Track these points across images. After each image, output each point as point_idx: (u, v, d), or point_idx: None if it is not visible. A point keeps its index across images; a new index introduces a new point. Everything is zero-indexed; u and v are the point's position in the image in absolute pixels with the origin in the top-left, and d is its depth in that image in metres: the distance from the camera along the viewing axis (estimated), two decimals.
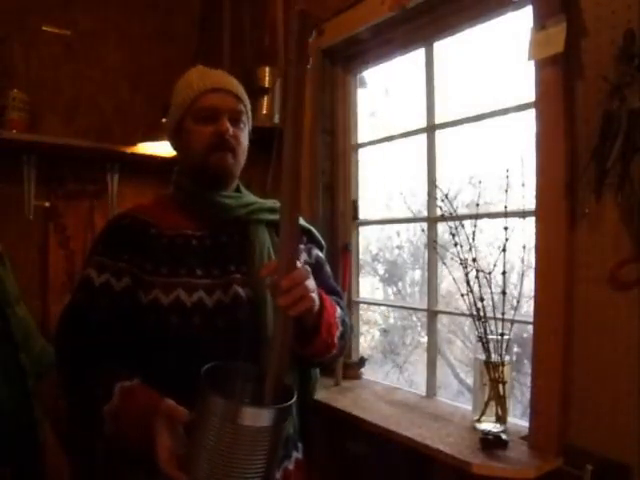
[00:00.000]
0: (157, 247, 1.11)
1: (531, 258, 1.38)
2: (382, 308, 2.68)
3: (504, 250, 1.42)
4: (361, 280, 2.22)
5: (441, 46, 1.80)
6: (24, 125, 2.14)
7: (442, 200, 1.54)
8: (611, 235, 1.20)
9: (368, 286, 2.67)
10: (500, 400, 1.43)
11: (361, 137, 2.13)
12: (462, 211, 1.59)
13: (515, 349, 1.86)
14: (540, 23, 1.30)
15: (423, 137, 1.82)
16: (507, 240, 1.42)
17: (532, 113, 1.37)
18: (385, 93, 2.31)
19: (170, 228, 1.14)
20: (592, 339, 1.24)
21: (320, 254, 1.30)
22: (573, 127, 1.28)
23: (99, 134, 2.39)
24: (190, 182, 1.19)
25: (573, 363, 1.27)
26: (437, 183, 1.63)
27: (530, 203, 1.38)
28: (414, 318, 2.50)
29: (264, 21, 2.37)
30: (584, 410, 1.25)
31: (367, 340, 2.59)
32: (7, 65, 2.22)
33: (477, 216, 1.50)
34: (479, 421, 1.47)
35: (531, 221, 1.38)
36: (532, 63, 1.34)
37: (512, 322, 1.44)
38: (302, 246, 1.25)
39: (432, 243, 1.77)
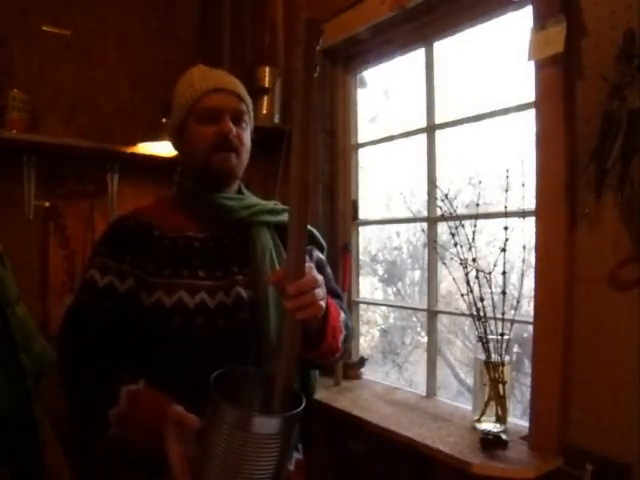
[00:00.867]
0: (160, 249, 1.11)
1: (531, 258, 1.38)
2: (382, 308, 2.68)
3: (504, 250, 1.42)
4: (361, 280, 2.22)
5: (441, 46, 1.80)
6: (24, 125, 2.14)
7: (442, 200, 1.54)
8: (611, 235, 1.20)
9: (368, 286, 2.67)
10: (500, 400, 1.43)
11: (361, 137, 2.13)
12: (462, 211, 1.59)
13: (515, 349, 1.86)
14: (540, 23, 1.30)
15: (423, 137, 1.82)
16: (507, 240, 1.42)
17: (532, 113, 1.37)
18: (385, 93, 2.31)
19: (172, 230, 1.14)
20: (592, 339, 1.24)
21: (321, 256, 1.30)
22: (573, 127, 1.28)
23: (99, 134, 2.39)
24: (193, 183, 1.19)
25: (573, 363, 1.28)
26: (437, 183, 1.63)
27: (530, 203, 1.38)
28: (414, 318, 2.50)
29: (264, 21, 2.37)
30: (584, 410, 1.25)
31: (367, 340, 2.59)
32: (7, 65, 2.22)
33: (477, 216, 1.50)
34: (479, 421, 1.47)
35: (531, 221, 1.38)
36: (532, 63, 1.34)
37: (512, 322, 1.44)
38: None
39: (432, 243, 1.77)
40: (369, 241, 2.59)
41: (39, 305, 2.27)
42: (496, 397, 1.43)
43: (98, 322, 1.06)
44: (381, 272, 2.78)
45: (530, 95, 1.38)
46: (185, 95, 1.17)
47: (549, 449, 1.29)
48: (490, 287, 1.44)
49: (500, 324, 1.43)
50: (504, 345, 1.43)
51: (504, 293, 1.43)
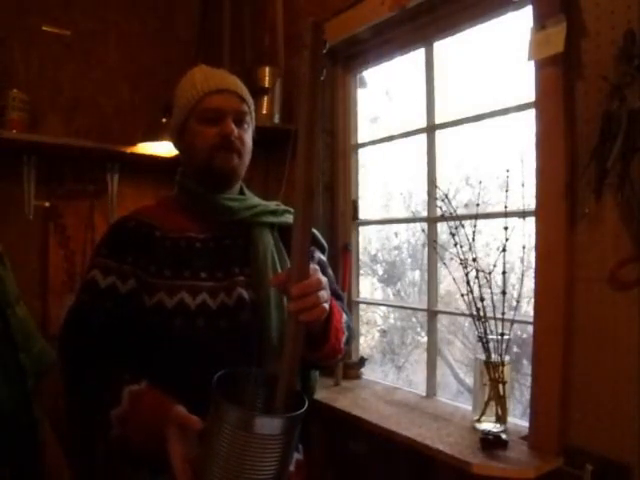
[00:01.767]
0: (161, 250, 1.11)
1: (531, 258, 1.38)
2: (382, 308, 2.68)
3: (504, 250, 1.42)
4: (361, 280, 2.22)
5: (441, 46, 1.80)
6: (24, 125, 2.14)
7: (442, 200, 1.54)
8: (611, 235, 1.20)
9: (368, 286, 2.67)
10: (500, 400, 1.43)
11: (361, 137, 2.13)
12: (462, 211, 1.59)
13: (514, 349, 1.86)
14: (540, 23, 1.30)
15: (423, 137, 1.82)
16: (507, 240, 1.42)
17: (532, 113, 1.37)
18: (385, 93, 2.31)
19: (174, 230, 1.14)
20: (592, 339, 1.24)
21: (322, 257, 1.30)
22: (573, 127, 1.28)
23: (99, 134, 2.39)
24: (194, 184, 1.18)
25: (573, 363, 1.28)
26: (437, 183, 1.63)
27: (530, 203, 1.38)
28: (414, 318, 2.50)
29: (264, 21, 2.37)
30: (584, 410, 1.25)
31: (367, 340, 2.59)
32: (7, 65, 2.22)
33: (477, 216, 1.50)
34: (479, 421, 1.47)
35: (531, 221, 1.38)
36: (532, 63, 1.34)
37: (512, 322, 1.44)
38: None
39: (432, 243, 1.77)
40: (369, 241, 2.59)
41: (39, 305, 2.27)
42: (496, 397, 1.43)
43: (100, 322, 1.06)
44: (381, 272, 2.78)
45: (530, 95, 1.38)
46: (187, 95, 1.17)
47: (549, 449, 1.29)
48: (490, 287, 1.44)
49: (500, 324, 1.43)
50: (504, 345, 1.43)
51: (504, 293, 1.43)
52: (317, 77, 0.83)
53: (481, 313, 1.45)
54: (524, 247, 1.41)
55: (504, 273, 1.43)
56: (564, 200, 1.28)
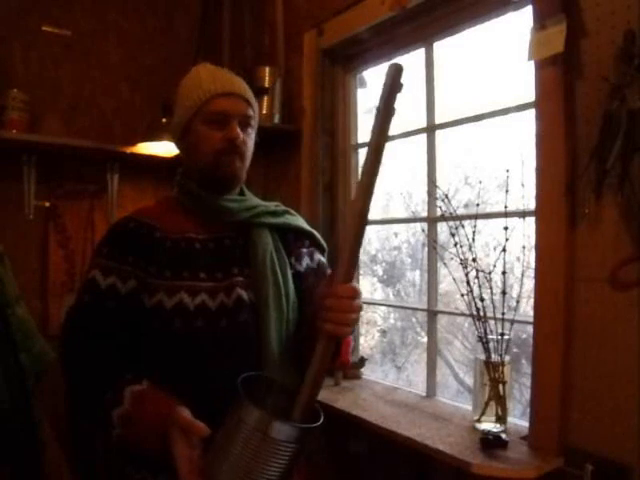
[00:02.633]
0: (161, 250, 1.11)
1: (531, 258, 1.38)
2: (382, 308, 2.68)
3: (504, 250, 1.42)
4: (361, 280, 2.22)
5: (441, 46, 1.80)
6: (24, 125, 2.14)
7: (442, 200, 1.54)
8: (611, 235, 1.20)
9: (368, 286, 2.67)
10: (500, 400, 1.43)
11: (361, 137, 2.13)
12: (462, 211, 1.59)
13: (514, 349, 1.86)
14: (540, 23, 1.30)
15: (423, 137, 1.82)
16: (507, 240, 1.42)
17: (532, 113, 1.37)
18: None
19: (174, 231, 1.14)
20: (592, 339, 1.24)
21: (322, 258, 1.30)
22: (573, 127, 1.28)
23: (99, 134, 2.39)
24: (195, 185, 1.18)
25: (573, 363, 1.28)
26: (437, 183, 1.63)
27: (530, 203, 1.38)
28: (413, 319, 2.50)
29: (264, 21, 2.37)
30: (584, 410, 1.25)
31: (367, 340, 2.59)
32: (7, 65, 2.22)
33: (477, 216, 1.50)
34: (479, 421, 1.47)
35: (531, 221, 1.38)
36: (532, 63, 1.34)
37: (512, 322, 1.44)
38: (304, 250, 1.25)
39: (432, 243, 1.77)
40: (369, 241, 2.59)
41: (39, 305, 2.27)
42: (496, 397, 1.43)
43: (101, 323, 1.06)
44: (381, 272, 2.78)
45: (530, 95, 1.38)
46: (193, 96, 1.15)
47: (549, 449, 1.29)
48: (490, 287, 1.44)
49: (500, 324, 1.43)
50: (504, 345, 1.43)
51: (504, 293, 1.44)
52: (390, 117, 0.87)
53: (481, 313, 1.45)
54: (524, 247, 1.41)
55: (504, 273, 1.43)
56: (564, 200, 1.28)
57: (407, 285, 2.76)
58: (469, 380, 2.10)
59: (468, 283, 1.47)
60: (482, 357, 1.46)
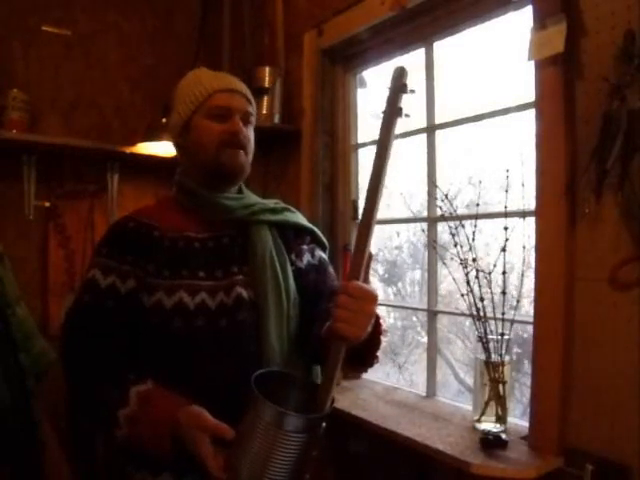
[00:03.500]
0: (160, 249, 1.11)
1: (531, 258, 1.38)
2: (382, 308, 2.68)
3: (504, 250, 1.42)
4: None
5: (441, 46, 1.80)
6: (24, 125, 2.14)
7: (442, 200, 1.54)
8: (611, 235, 1.20)
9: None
10: (500, 400, 1.43)
11: (361, 137, 2.13)
12: (462, 211, 1.59)
13: (515, 349, 1.86)
14: (540, 23, 1.30)
15: (423, 137, 1.82)
16: (507, 240, 1.42)
17: (532, 113, 1.37)
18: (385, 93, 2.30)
19: (173, 230, 1.14)
20: (592, 339, 1.24)
21: (323, 255, 1.30)
22: (573, 127, 1.28)
23: (99, 134, 2.39)
24: (194, 183, 1.19)
25: (573, 363, 1.28)
26: (437, 183, 1.63)
27: (530, 203, 1.38)
28: (414, 318, 2.50)
29: (264, 21, 2.37)
30: (584, 410, 1.25)
31: None
32: (7, 65, 2.22)
33: (477, 216, 1.50)
34: (479, 421, 1.47)
35: (531, 221, 1.38)
36: (532, 63, 1.34)
37: (512, 322, 1.44)
38: (305, 246, 1.26)
39: (432, 243, 1.77)
40: None
41: (39, 305, 2.27)
42: (496, 397, 1.43)
43: (101, 322, 1.07)
44: (381, 272, 2.78)
45: (530, 95, 1.38)
46: (194, 92, 1.17)
47: (549, 449, 1.29)
48: (490, 287, 1.44)
49: (500, 324, 1.43)
50: (504, 345, 1.43)
51: (504, 293, 1.43)
52: (396, 117, 0.93)
53: (481, 313, 1.45)
54: (524, 247, 1.41)
55: (504, 273, 1.43)
56: (564, 200, 1.28)
57: (408, 284, 2.76)
58: (470, 380, 2.10)
59: (468, 283, 1.47)
60: (482, 357, 1.46)
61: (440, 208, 1.56)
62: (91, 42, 2.42)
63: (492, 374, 1.43)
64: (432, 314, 1.83)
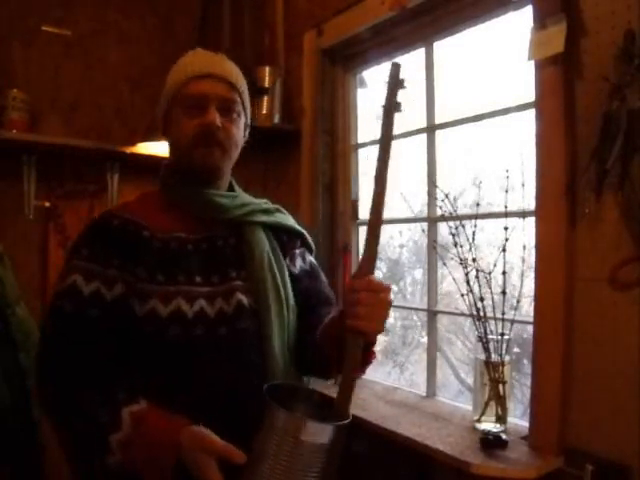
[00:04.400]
0: (150, 252, 1.01)
1: (531, 258, 1.38)
2: None
3: (504, 250, 1.42)
4: None
5: (441, 46, 1.80)
6: (24, 125, 2.14)
7: (442, 200, 1.54)
8: (611, 235, 1.20)
9: None
10: (500, 400, 1.43)
11: (361, 137, 2.13)
12: (462, 211, 1.58)
13: (515, 349, 1.86)
14: (540, 23, 1.30)
15: (423, 137, 1.82)
16: (507, 240, 1.42)
17: (532, 113, 1.37)
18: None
19: (162, 230, 1.04)
20: (592, 339, 1.24)
21: (314, 260, 1.24)
22: (573, 127, 1.27)
23: (99, 134, 2.39)
24: (180, 179, 1.09)
25: (573, 363, 1.27)
26: (437, 183, 1.63)
27: (530, 203, 1.38)
28: (415, 318, 2.50)
29: (264, 21, 2.37)
30: (584, 410, 1.25)
31: None
32: (7, 65, 2.22)
33: (477, 216, 1.49)
34: (479, 421, 1.47)
35: (531, 221, 1.38)
36: (532, 63, 1.34)
37: (512, 322, 1.44)
38: (297, 250, 1.20)
39: (432, 243, 1.77)
40: None
41: (39, 305, 2.27)
42: (496, 397, 1.43)
43: (86, 333, 0.95)
44: (383, 272, 2.78)
45: (530, 95, 1.38)
46: (171, 81, 1.08)
47: (549, 449, 1.29)
48: (490, 287, 1.44)
49: (500, 324, 1.43)
50: (504, 345, 1.42)
51: (504, 293, 1.43)
52: (394, 111, 0.91)
53: (481, 313, 1.45)
54: (524, 247, 1.41)
55: (504, 273, 1.43)
56: (564, 200, 1.28)
57: (409, 284, 2.76)
58: (470, 380, 2.10)
59: (468, 283, 1.47)
60: (482, 357, 1.46)
61: (440, 208, 1.56)
62: (91, 42, 2.41)
63: (492, 374, 1.43)
64: (432, 314, 1.83)
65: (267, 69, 2.15)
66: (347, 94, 2.13)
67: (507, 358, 1.44)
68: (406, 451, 1.47)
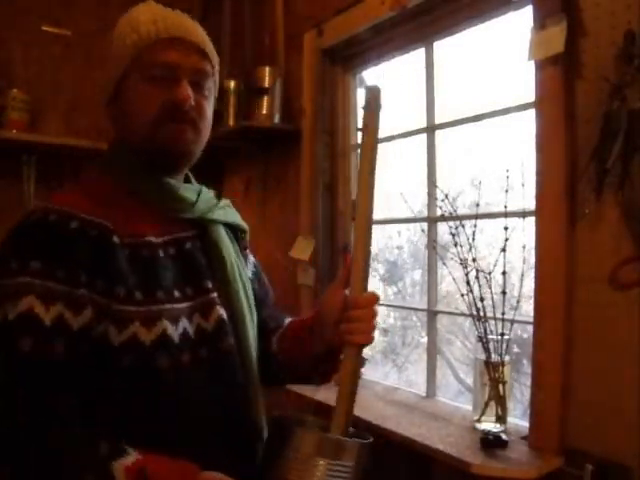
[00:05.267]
0: (121, 262, 0.81)
1: (531, 258, 1.38)
2: (382, 308, 2.68)
3: (504, 250, 1.42)
4: None
5: (441, 46, 1.80)
6: (24, 125, 2.14)
7: (442, 200, 1.54)
8: (611, 235, 1.20)
9: (368, 286, 2.67)
10: (500, 400, 1.43)
11: (361, 137, 2.12)
12: (462, 211, 1.58)
13: (515, 349, 1.86)
14: (540, 23, 1.30)
15: (423, 137, 1.82)
16: (507, 240, 1.42)
17: (532, 113, 1.37)
18: (385, 93, 2.31)
19: (128, 234, 0.83)
20: (592, 339, 1.24)
21: (255, 260, 1.13)
22: (573, 127, 1.27)
23: (99, 134, 2.39)
24: (138, 164, 0.89)
25: (573, 363, 1.27)
26: (437, 183, 1.63)
27: (530, 203, 1.38)
28: (414, 318, 2.49)
29: (264, 21, 2.37)
30: (584, 410, 1.25)
31: None
32: (7, 65, 2.22)
33: (477, 216, 1.49)
34: (479, 421, 1.46)
35: (531, 221, 1.38)
36: (532, 63, 1.34)
37: (512, 322, 1.44)
38: (247, 251, 1.10)
39: (432, 243, 1.77)
40: None
41: None
42: (496, 397, 1.43)
43: (52, 382, 0.73)
44: (382, 272, 2.78)
45: (530, 95, 1.38)
46: (127, 41, 0.86)
47: (549, 449, 1.29)
48: (490, 287, 1.44)
49: (500, 324, 1.43)
50: (504, 345, 1.42)
51: (504, 293, 1.43)
52: (375, 134, 0.88)
53: (481, 313, 1.45)
54: (524, 247, 1.41)
55: (504, 273, 1.43)
56: (564, 200, 1.28)
57: (409, 284, 2.76)
58: (470, 380, 2.10)
59: (468, 283, 1.47)
60: (482, 357, 1.46)
61: (440, 208, 1.56)
62: (91, 42, 2.41)
63: (492, 374, 1.43)
64: (432, 314, 1.83)
65: (267, 69, 2.15)
66: (347, 94, 2.13)
67: (507, 358, 1.44)
68: (406, 451, 1.47)
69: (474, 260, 1.47)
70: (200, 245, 0.94)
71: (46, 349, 0.73)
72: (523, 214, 1.41)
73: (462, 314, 1.58)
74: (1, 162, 2.17)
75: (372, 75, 2.14)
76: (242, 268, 0.99)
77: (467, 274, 1.47)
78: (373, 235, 0.93)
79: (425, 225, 1.82)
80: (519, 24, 1.48)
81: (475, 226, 1.48)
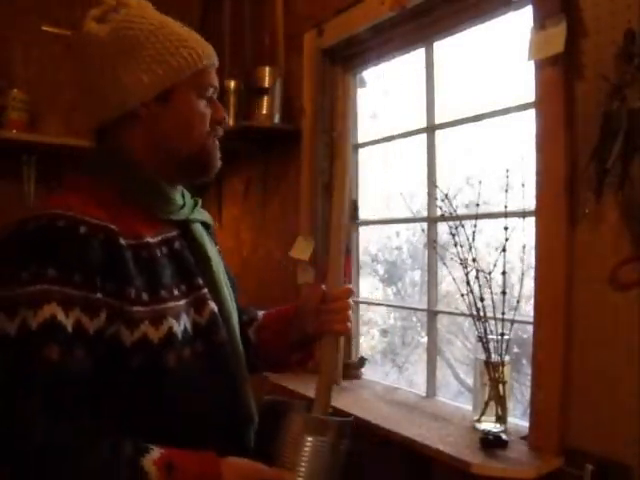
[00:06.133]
0: (128, 264, 0.84)
1: (531, 258, 1.38)
2: (382, 308, 2.68)
3: (504, 250, 1.42)
4: (361, 280, 2.22)
5: (441, 46, 1.80)
6: (24, 125, 2.14)
7: (442, 200, 1.54)
8: (611, 235, 1.20)
9: (368, 286, 2.67)
10: (500, 400, 1.43)
11: (361, 137, 2.13)
12: (462, 211, 1.59)
13: (515, 349, 1.86)
14: (540, 23, 1.30)
15: (423, 137, 1.82)
16: (507, 240, 1.42)
17: (532, 113, 1.37)
18: (385, 93, 2.31)
19: (131, 236, 0.87)
20: (592, 339, 1.24)
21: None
22: (573, 127, 1.28)
23: None
24: (154, 172, 0.95)
25: (573, 363, 1.27)
26: (437, 183, 1.63)
27: (530, 203, 1.38)
28: (414, 318, 2.49)
29: (264, 21, 2.37)
30: (584, 410, 1.25)
31: (367, 340, 2.59)
32: (7, 65, 2.22)
33: (477, 216, 1.49)
34: (479, 421, 1.46)
35: (531, 221, 1.38)
36: (532, 63, 1.34)
37: (512, 322, 1.44)
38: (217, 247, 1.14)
39: (432, 243, 1.77)
40: (369, 241, 2.58)
41: None
42: (496, 397, 1.43)
43: (78, 388, 0.76)
44: (381, 272, 2.78)
45: (530, 95, 1.38)
46: (182, 54, 0.91)
47: (549, 449, 1.29)
48: (490, 287, 1.44)
49: (500, 324, 1.43)
50: (504, 345, 1.42)
51: (504, 293, 1.43)
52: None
53: (481, 313, 1.45)
54: (524, 247, 1.41)
55: (504, 273, 1.43)
56: (564, 200, 1.28)
57: (408, 284, 2.76)
58: (470, 380, 2.10)
59: (468, 283, 1.47)
60: (482, 357, 1.46)
61: (440, 208, 1.56)
62: None
63: (492, 374, 1.43)
64: (432, 314, 1.83)
65: (267, 69, 2.15)
66: (347, 94, 2.13)
67: (507, 358, 1.44)
68: (406, 451, 1.47)
69: (474, 260, 1.47)
70: (186, 244, 0.98)
71: (73, 356, 0.75)
72: (523, 214, 1.41)
73: (462, 314, 1.58)
74: (1, 162, 2.18)
75: (372, 75, 2.14)
76: (221, 264, 1.06)
77: (467, 274, 1.47)
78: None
79: (425, 225, 1.82)
80: (519, 24, 1.48)
81: (475, 226, 1.48)
